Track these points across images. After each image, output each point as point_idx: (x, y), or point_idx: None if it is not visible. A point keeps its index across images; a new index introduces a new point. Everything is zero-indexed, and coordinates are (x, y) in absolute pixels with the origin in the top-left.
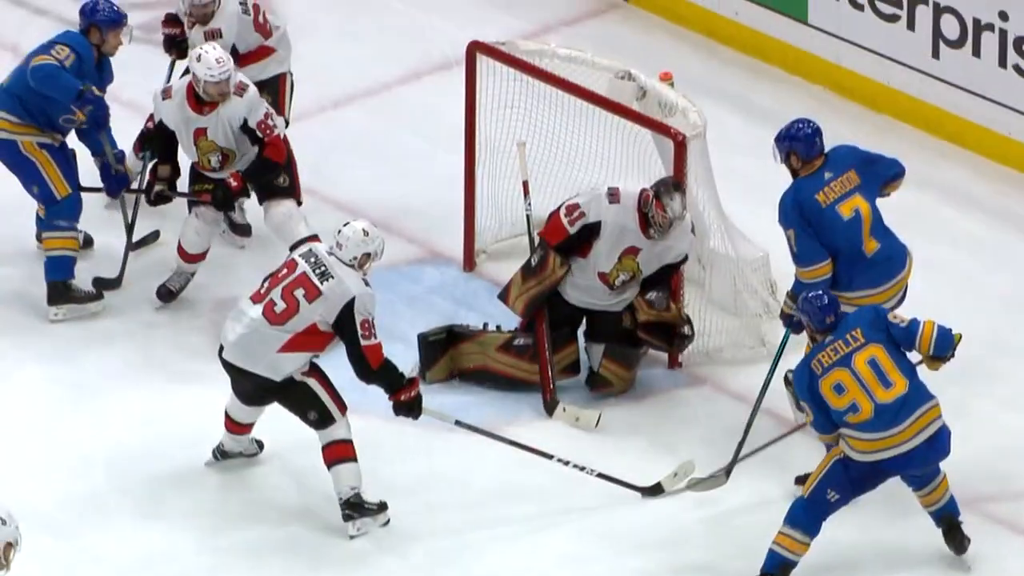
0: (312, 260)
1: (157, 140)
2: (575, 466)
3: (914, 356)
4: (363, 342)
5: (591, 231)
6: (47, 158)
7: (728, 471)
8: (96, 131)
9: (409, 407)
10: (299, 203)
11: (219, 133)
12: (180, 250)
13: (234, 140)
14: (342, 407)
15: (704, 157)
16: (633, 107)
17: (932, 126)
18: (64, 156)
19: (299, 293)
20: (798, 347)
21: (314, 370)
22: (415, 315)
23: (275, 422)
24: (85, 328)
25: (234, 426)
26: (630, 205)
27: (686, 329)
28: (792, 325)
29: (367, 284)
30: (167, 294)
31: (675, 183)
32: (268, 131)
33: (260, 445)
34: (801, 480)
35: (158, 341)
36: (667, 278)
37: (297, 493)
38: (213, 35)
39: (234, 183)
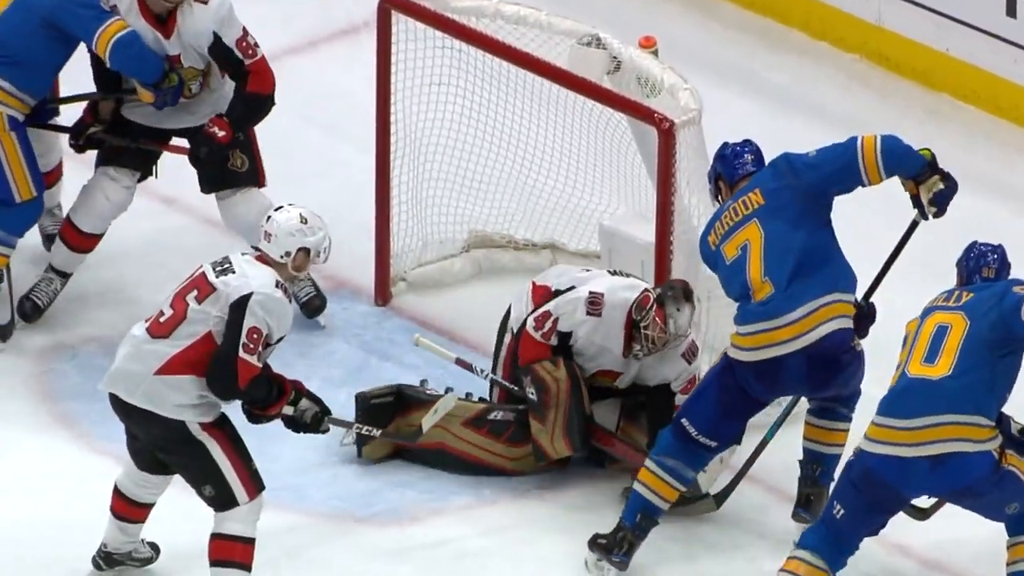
0: (218, 260)
1: (102, 68)
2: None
3: None
4: (242, 353)
5: (568, 336)
6: (14, 147)
7: (721, 499)
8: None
9: (282, 421)
10: (262, 186)
11: (191, 56)
12: (68, 229)
13: (201, 59)
14: (252, 488)
15: (699, 151)
16: (603, 84)
17: (1006, 109)
18: (31, 147)
19: (191, 296)
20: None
21: (218, 428)
22: (311, 367)
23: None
24: None
25: (124, 506)
26: (615, 319)
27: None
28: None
29: (282, 291)
30: (33, 310)
31: (686, 290)
32: (251, 52)
33: (156, 549)
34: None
35: None
36: (658, 420)
37: None
38: None
39: (220, 132)
